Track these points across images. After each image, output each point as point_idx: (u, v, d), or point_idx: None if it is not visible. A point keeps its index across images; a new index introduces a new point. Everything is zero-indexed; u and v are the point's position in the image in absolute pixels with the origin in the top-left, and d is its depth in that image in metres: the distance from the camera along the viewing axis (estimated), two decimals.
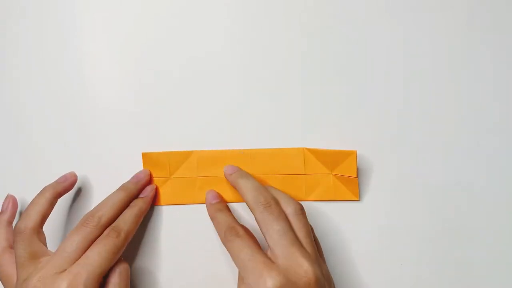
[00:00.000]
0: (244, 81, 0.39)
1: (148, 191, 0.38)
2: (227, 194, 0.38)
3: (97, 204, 0.35)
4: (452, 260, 0.38)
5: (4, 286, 0.34)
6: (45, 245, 0.35)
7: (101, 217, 0.34)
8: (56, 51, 0.39)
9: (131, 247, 0.38)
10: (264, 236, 0.33)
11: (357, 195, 0.38)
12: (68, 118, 0.39)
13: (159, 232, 0.38)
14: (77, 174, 0.38)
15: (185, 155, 0.38)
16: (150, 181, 0.39)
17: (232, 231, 0.34)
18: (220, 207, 0.37)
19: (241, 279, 0.32)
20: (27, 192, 0.38)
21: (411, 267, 0.38)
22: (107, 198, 0.36)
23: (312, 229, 0.36)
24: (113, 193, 0.36)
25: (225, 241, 0.34)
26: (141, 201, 0.37)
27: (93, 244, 0.33)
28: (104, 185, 0.38)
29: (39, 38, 0.39)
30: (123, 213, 0.36)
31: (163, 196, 0.38)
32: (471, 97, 0.39)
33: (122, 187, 0.37)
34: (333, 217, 0.38)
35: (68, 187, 0.37)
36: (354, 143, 0.39)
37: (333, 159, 0.38)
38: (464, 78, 0.39)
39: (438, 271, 0.38)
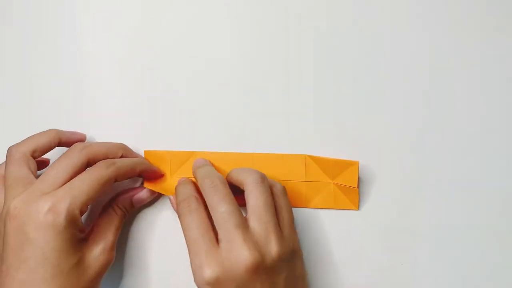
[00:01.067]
0: (249, 85, 0.39)
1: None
2: None
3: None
4: (454, 266, 0.38)
5: None
6: (35, 174, 0.34)
7: (87, 146, 0.34)
8: (56, 51, 0.39)
9: (132, 246, 0.39)
10: (211, 215, 0.32)
11: (357, 205, 0.38)
12: (69, 118, 0.39)
13: (157, 230, 0.39)
14: None
15: (187, 155, 0.39)
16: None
17: (185, 204, 0.33)
18: (183, 180, 0.37)
19: None
20: None
21: (410, 268, 0.38)
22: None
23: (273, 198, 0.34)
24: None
25: (178, 215, 0.34)
26: (129, 150, 0.37)
27: (81, 173, 0.33)
28: None
29: (39, 38, 0.39)
30: (115, 153, 0.36)
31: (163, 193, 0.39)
32: (474, 108, 0.38)
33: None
34: (330, 225, 0.38)
35: (72, 140, 0.36)
36: (357, 153, 0.38)
37: (334, 168, 0.38)
38: (468, 90, 0.38)
39: (438, 278, 0.38)
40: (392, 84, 0.38)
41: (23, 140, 0.35)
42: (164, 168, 0.38)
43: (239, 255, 0.30)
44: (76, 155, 0.33)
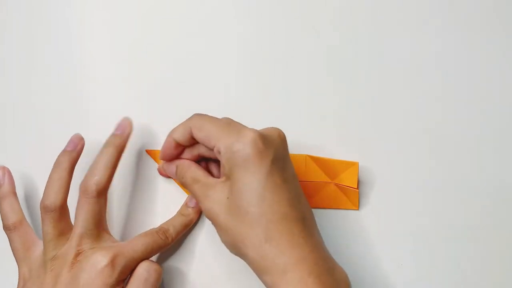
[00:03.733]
0: (249, 85, 0.39)
1: (124, 127, 0.37)
2: None
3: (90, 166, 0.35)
4: (453, 266, 0.38)
5: (18, 259, 0.34)
6: (69, 218, 0.35)
7: (98, 184, 0.34)
8: (56, 51, 0.39)
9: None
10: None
11: (357, 205, 0.38)
12: (69, 118, 0.39)
13: None
14: (78, 173, 0.38)
15: None
16: (131, 130, 0.37)
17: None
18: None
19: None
20: (28, 192, 0.39)
21: (409, 269, 0.38)
22: (97, 158, 0.35)
23: None
24: (102, 152, 0.35)
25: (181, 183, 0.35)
26: (191, 211, 0.37)
27: (141, 235, 0.35)
28: None
29: (40, 39, 0.39)
30: (173, 218, 0.37)
31: None
32: (474, 110, 0.38)
33: (108, 143, 0.36)
34: (330, 224, 0.39)
35: (80, 151, 0.36)
36: (357, 153, 0.38)
37: (334, 169, 0.38)
38: (467, 88, 0.38)
39: (438, 278, 0.38)
40: (392, 85, 0.38)
41: (50, 189, 0.34)
42: None
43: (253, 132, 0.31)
44: (94, 201, 0.34)
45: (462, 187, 0.38)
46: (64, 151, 0.36)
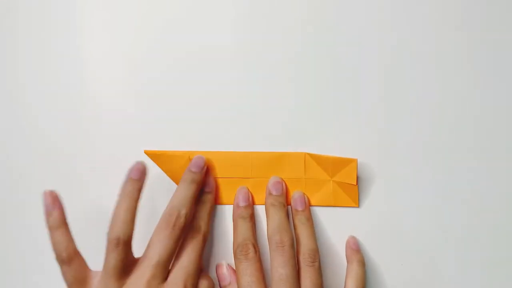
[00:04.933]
0: (248, 84, 0.39)
1: (212, 185, 0.38)
2: (224, 195, 0.39)
3: (172, 199, 0.35)
4: (453, 264, 0.38)
5: None
6: (133, 253, 0.34)
7: (186, 215, 0.35)
8: (56, 51, 0.39)
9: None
10: (271, 271, 0.34)
11: (357, 202, 0.38)
12: (69, 118, 0.39)
13: None
14: (78, 173, 0.38)
15: (187, 156, 0.38)
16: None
17: (243, 249, 0.35)
18: (244, 214, 0.37)
19: None
20: (28, 192, 0.39)
21: (409, 269, 0.38)
22: (180, 192, 0.35)
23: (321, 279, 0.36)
24: (184, 186, 0.36)
25: (234, 256, 0.35)
26: (210, 197, 0.38)
27: (182, 249, 0.35)
28: (105, 184, 0.38)
29: (40, 38, 0.39)
30: (198, 211, 0.37)
31: None
32: (473, 104, 0.38)
33: (191, 180, 0.36)
34: (330, 222, 0.39)
35: (145, 180, 0.35)
36: (356, 150, 0.38)
37: (333, 166, 0.38)
38: (465, 85, 0.39)
39: (438, 276, 0.38)
40: (391, 82, 0.39)
41: (119, 220, 0.33)
42: (164, 168, 0.38)
43: None
44: (177, 231, 0.34)
45: (462, 183, 0.38)
46: (130, 179, 0.35)
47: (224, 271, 0.37)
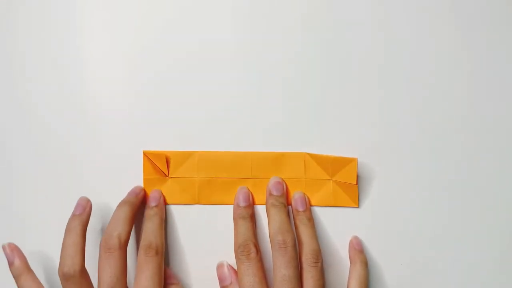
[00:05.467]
0: (248, 83, 0.39)
1: (157, 199, 0.38)
2: (223, 195, 0.39)
3: (107, 226, 0.35)
4: (453, 264, 0.38)
5: None
6: (90, 279, 0.35)
7: (120, 236, 0.35)
8: (56, 51, 0.39)
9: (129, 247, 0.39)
10: (273, 271, 0.34)
11: (357, 202, 0.38)
12: (69, 118, 0.39)
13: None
14: (78, 173, 0.38)
15: (186, 155, 0.39)
16: (145, 195, 0.39)
17: (245, 249, 0.35)
18: (244, 214, 0.37)
19: None
20: (28, 192, 0.39)
21: (410, 268, 0.38)
22: (115, 215, 0.36)
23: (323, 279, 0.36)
24: (118, 209, 0.36)
25: (235, 256, 0.35)
26: (157, 210, 0.37)
27: (139, 271, 0.34)
28: (105, 184, 0.38)
29: (40, 38, 0.39)
30: (145, 227, 0.37)
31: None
32: (473, 104, 0.39)
33: (124, 202, 0.37)
34: (330, 222, 0.39)
35: (89, 213, 0.37)
36: (355, 150, 0.38)
37: (333, 165, 0.38)
38: (466, 86, 0.39)
39: (438, 277, 0.38)
40: (391, 82, 0.39)
41: (67, 256, 0.34)
42: (164, 168, 0.38)
43: None
44: (118, 254, 0.34)
45: (462, 183, 0.38)
46: (73, 215, 0.36)
47: (225, 271, 0.37)
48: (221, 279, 0.37)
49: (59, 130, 0.39)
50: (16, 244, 0.37)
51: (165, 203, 0.39)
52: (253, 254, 0.35)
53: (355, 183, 0.37)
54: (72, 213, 0.36)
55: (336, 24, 0.39)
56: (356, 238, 0.38)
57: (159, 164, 0.38)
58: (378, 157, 0.38)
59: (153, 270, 0.34)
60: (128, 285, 0.35)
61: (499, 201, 0.38)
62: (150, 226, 0.36)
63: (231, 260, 0.37)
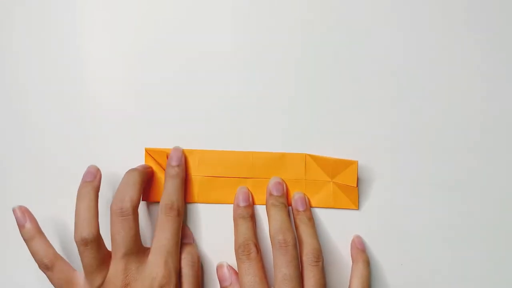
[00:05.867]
0: (249, 83, 0.39)
1: (178, 158, 0.38)
2: (223, 194, 0.39)
3: (116, 191, 0.35)
4: (453, 265, 0.38)
5: None
6: (105, 244, 0.35)
7: (132, 199, 0.35)
8: (57, 51, 0.39)
9: None
10: (274, 271, 0.34)
11: (357, 204, 0.38)
12: (69, 118, 0.39)
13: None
14: (78, 173, 0.38)
15: (187, 153, 0.39)
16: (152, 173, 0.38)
17: (245, 249, 0.35)
18: (244, 214, 0.37)
19: None
20: (28, 192, 0.39)
21: (410, 268, 0.38)
22: (124, 180, 0.36)
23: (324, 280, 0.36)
24: (127, 175, 0.36)
25: (236, 256, 0.36)
26: (178, 170, 0.37)
27: (159, 230, 0.35)
28: (105, 184, 0.38)
29: (40, 38, 0.39)
30: (166, 186, 0.37)
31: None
32: (474, 106, 0.38)
33: (133, 169, 0.37)
34: (330, 223, 0.39)
35: (100, 180, 0.36)
36: (356, 152, 0.38)
37: (334, 167, 0.38)
38: (466, 87, 0.38)
39: (438, 277, 0.38)
40: (392, 84, 0.38)
41: (83, 221, 0.34)
42: (165, 165, 0.39)
43: None
44: (130, 218, 0.34)
45: (462, 185, 0.38)
46: (84, 182, 0.36)
47: (225, 271, 0.37)
48: (221, 280, 0.37)
49: (59, 130, 0.39)
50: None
51: (157, 199, 0.38)
52: (253, 254, 0.35)
53: (355, 186, 0.37)
54: (83, 179, 0.36)
55: (336, 25, 0.39)
56: (358, 237, 0.38)
57: (160, 161, 0.39)
58: (378, 160, 0.38)
59: (173, 231, 0.35)
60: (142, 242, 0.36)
61: (499, 201, 0.38)
62: (171, 185, 0.36)
63: (231, 259, 0.37)
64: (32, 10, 0.39)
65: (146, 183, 0.38)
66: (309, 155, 0.38)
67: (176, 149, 0.38)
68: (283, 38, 0.39)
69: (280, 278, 0.34)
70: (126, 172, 0.36)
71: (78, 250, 0.34)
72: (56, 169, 0.39)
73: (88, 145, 0.39)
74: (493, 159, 0.38)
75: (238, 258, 0.35)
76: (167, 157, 0.38)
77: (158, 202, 0.37)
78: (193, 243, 0.38)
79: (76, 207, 0.35)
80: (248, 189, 0.38)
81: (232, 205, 0.38)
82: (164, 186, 0.37)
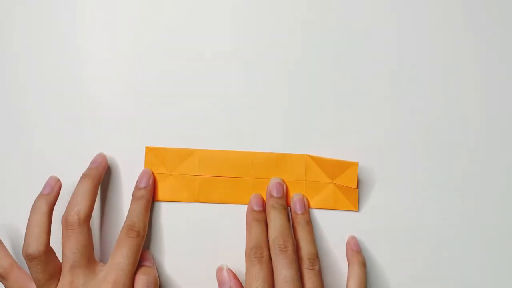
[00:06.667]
0: (250, 84, 0.39)
1: (146, 181, 0.38)
2: (224, 193, 0.39)
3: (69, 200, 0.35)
4: (452, 266, 0.38)
5: None
6: (56, 257, 0.35)
7: (79, 212, 0.34)
8: (57, 51, 0.39)
9: None
10: (274, 275, 0.35)
11: (356, 206, 0.38)
12: (70, 117, 0.39)
13: (156, 229, 0.39)
14: (77, 173, 0.38)
15: (188, 153, 0.39)
16: (106, 163, 0.38)
17: (257, 252, 0.35)
18: (259, 217, 0.37)
19: None
20: (29, 192, 0.39)
21: (410, 269, 0.38)
22: (75, 191, 0.36)
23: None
24: (78, 184, 0.36)
25: (246, 258, 0.35)
26: (144, 192, 0.37)
27: (116, 247, 0.35)
28: (105, 184, 0.39)
29: (39, 38, 0.39)
30: (131, 208, 0.37)
31: (162, 192, 0.39)
32: (473, 107, 0.38)
33: (83, 176, 0.37)
34: (329, 225, 0.39)
35: (58, 193, 0.36)
36: (357, 154, 0.38)
37: (334, 168, 0.38)
38: (466, 88, 0.38)
39: (438, 278, 0.38)
40: (392, 85, 0.38)
41: (31, 236, 0.34)
42: (165, 165, 0.39)
43: None
44: (77, 231, 0.34)
45: (462, 186, 0.38)
46: (40, 195, 0.36)
47: (225, 275, 0.37)
48: (220, 283, 0.37)
49: (59, 130, 0.39)
50: None
51: (156, 198, 0.38)
52: (265, 257, 0.35)
53: (355, 187, 0.37)
54: (40, 192, 0.36)
55: (336, 25, 0.39)
56: (353, 238, 0.38)
57: (160, 161, 0.39)
58: (379, 162, 0.38)
59: (131, 249, 0.35)
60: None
61: (499, 201, 0.38)
62: (135, 208, 0.37)
63: (230, 259, 0.37)
64: (32, 10, 0.39)
65: (100, 180, 0.37)
66: (310, 156, 0.38)
67: (145, 171, 0.38)
68: (283, 38, 0.39)
69: (281, 280, 0.34)
70: (79, 179, 0.36)
71: (26, 264, 0.34)
72: (56, 169, 0.39)
73: (88, 145, 0.39)
74: (493, 159, 0.38)
75: (249, 261, 0.35)
76: (168, 156, 0.38)
77: (160, 201, 0.37)
78: (152, 266, 0.37)
79: (28, 220, 0.35)
80: (261, 195, 0.38)
81: (232, 205, 0.38)
82: (129, 207, 0.37)
